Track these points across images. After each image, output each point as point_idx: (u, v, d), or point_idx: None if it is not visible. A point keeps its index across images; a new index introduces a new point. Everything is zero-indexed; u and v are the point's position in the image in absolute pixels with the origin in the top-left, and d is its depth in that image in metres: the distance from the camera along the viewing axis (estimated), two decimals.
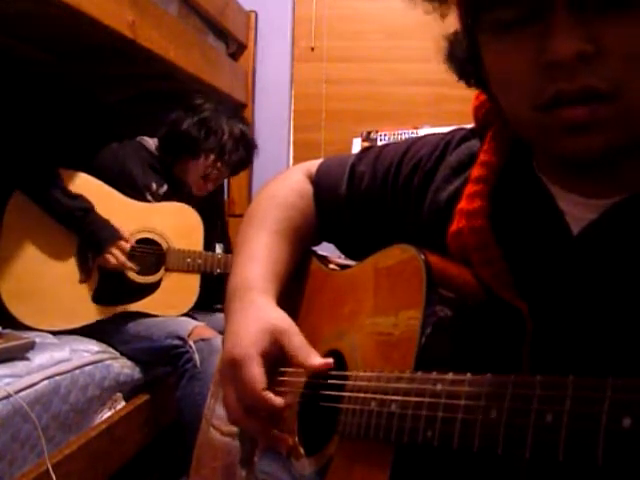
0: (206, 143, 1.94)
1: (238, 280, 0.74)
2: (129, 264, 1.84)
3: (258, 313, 0.69)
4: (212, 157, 1.96)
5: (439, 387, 0.48)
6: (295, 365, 0.66)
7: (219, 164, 1.98)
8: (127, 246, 1.83)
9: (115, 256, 1.81)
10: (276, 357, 0.67)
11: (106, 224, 1.81)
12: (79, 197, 1.80)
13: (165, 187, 1.98)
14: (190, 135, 1.93)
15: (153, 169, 1.98)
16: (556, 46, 0.46)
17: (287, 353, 0.66)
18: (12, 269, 1.79)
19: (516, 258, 0.56)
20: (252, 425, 0.66)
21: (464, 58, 0.58)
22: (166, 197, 1.98)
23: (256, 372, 0.64)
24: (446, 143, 0.70)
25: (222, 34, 2.64)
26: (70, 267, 1.84)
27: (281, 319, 0.68)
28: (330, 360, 0.64)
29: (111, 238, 1.80)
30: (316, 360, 0.64)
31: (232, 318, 0.70)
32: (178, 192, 2.01)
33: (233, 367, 0.65)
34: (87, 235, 1.80)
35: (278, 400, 0.64)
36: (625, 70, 0.47)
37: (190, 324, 1.81)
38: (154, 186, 1.96)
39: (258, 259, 0.75)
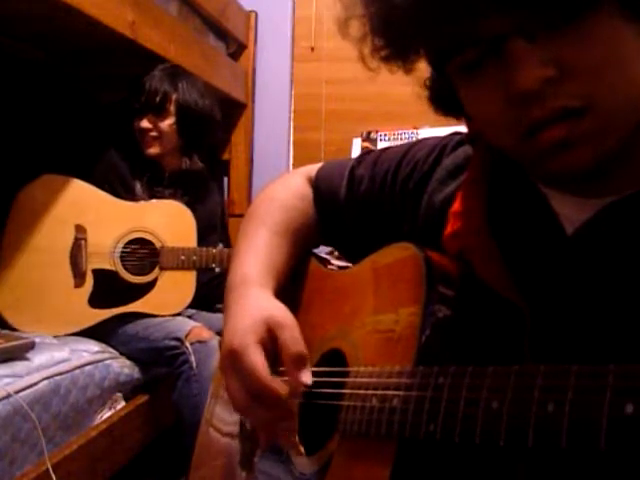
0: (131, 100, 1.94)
1: (236, 276, 0.74)
2: None
3: (255, 305, 0.68)
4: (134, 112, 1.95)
5: (441, 380, 0.48)
6: (284, 359, 0.65)
7: (140, 119, 1.94)
8: None
9: None
10: (272, 347, 0.66)
11: None
12: None
13: (147, 175, 1.97)
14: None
15: (139, 162, 1.97)
16: (518, 78, 0.47)
17: (279, 346, 0.65)
18: (6, 278, 1.78)
19: (513, 258, 0.56)
20: (258, 413, 0.65)
21: (445, 99, 0.58)
22: (149, 185, 1.97)
23: (258, 359, 0.63)
24: (443, 146, 0.70)
25: (222, 34, 2.64)
26: (64, 273, 1.82)
27: (277, 310, 0.68)
28: (308, 382, 0.63)
29: None
30: (302, 375, 0.63)
31: (230, 312, 0.70)
32: (160, 177, 2.00)
33: (233, 357, 0.64)
34: None
35: (284, 386, 0.63)
36: (592, 83, 0.46)
37: (188, 325, 1.80)
38: (143, 177, 1.96)
39: (257, 256, 0.75)
